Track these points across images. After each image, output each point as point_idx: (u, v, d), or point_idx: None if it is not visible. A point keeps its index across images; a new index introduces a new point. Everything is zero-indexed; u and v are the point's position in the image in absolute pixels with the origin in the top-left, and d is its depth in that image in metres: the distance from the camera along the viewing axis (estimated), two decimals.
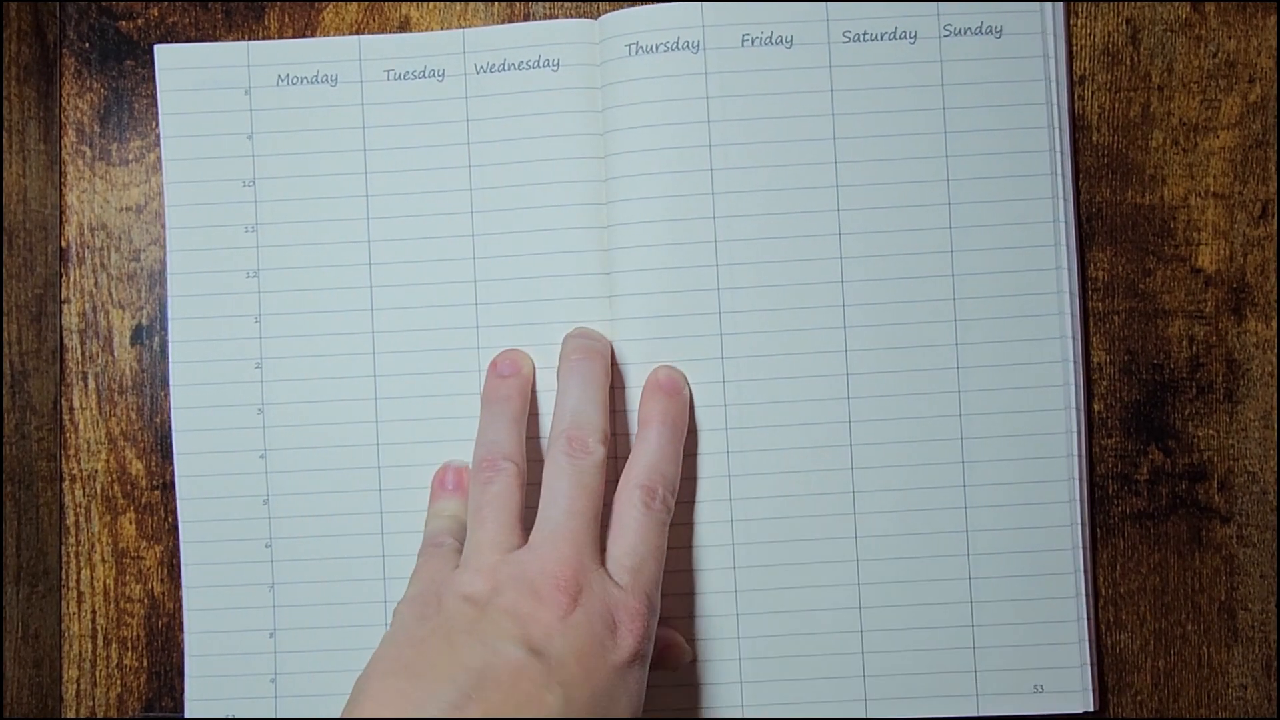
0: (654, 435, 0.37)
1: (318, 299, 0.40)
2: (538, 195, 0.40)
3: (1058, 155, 0.39)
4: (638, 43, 0.39)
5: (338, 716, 0.32)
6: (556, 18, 0.41)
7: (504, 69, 0.40)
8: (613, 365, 0.39)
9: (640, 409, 0.39)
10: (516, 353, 0.40)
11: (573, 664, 0.32)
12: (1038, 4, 0.40)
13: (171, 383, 0.41)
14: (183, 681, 0.40)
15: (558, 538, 0.34)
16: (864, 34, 0.39)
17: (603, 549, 0.35)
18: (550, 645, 0.32)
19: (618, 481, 0.37)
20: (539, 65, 0.40)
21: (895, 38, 0.39)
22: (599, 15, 0.40)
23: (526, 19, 0.41)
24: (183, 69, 0.41)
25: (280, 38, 0.41)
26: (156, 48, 0.41)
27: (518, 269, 0.40)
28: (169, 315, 0.41)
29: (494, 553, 0.34)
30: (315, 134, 0.41)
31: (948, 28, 0.39)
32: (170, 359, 0.41)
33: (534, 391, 0.40)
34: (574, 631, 0.32)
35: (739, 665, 0.39)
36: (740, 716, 0.39)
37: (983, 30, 0.39)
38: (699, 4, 0.39)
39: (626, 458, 0.37)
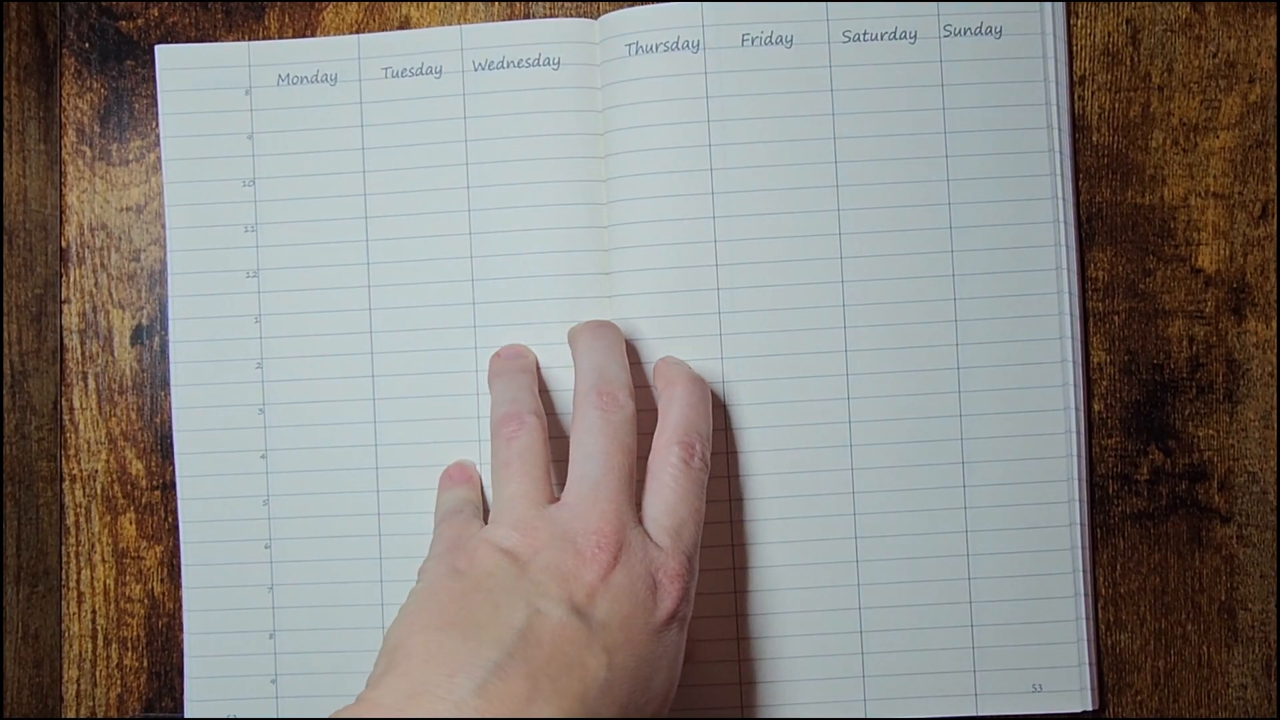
0: (681, 393, 0.36)
1: (317, 299, 0.40)
2: (536, 194, 0.40)
3: (1057, 156, 0.39)
4: (638, 42, 0.39)
5: (376, 662, 0.31)
6: (556, 17, 0.41)
7: (503, 66, 0.40)
8: None
9: (658, 379, 0.38)
10: (518, 345, 0.39)
11: (615, 627, 0.31)
12: (1037, 5, 0.40)
13: (172, 383, 0.41)
14: (183, 681, 0.40)
15: (598, 494, 0.33)
16: (864, 34, 0.39)
17: (638, 506, 0.34)
18: (594, 607, 0.31)
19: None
20: (539, 64, 0.40)
21: (895, 38, 0.39)
22: (598, 15, 0.40)
23: (526, 19, 0.41)
24: (183, 69, 0.41)
25: (280, 38, 0.41)
26: (157, 48, 0.41)
27: (516, 268, 0.40)
28: (169, 315, 0.41)
29: (529, 506, 0.33)
30: (315, 133, 0.40)
31: (947, 28, 0.39)
32: (170, 359, 0.41)
33: (541, 384, 0.39)
34: (616, 592, 0.31)
35: (738, 666, 0.39)
36: (739, 717, 0.39)
37: (982, 30, 0.39)
38: (699, 4, 0.39)
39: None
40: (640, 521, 0.34)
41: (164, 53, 0.41)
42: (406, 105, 0.40)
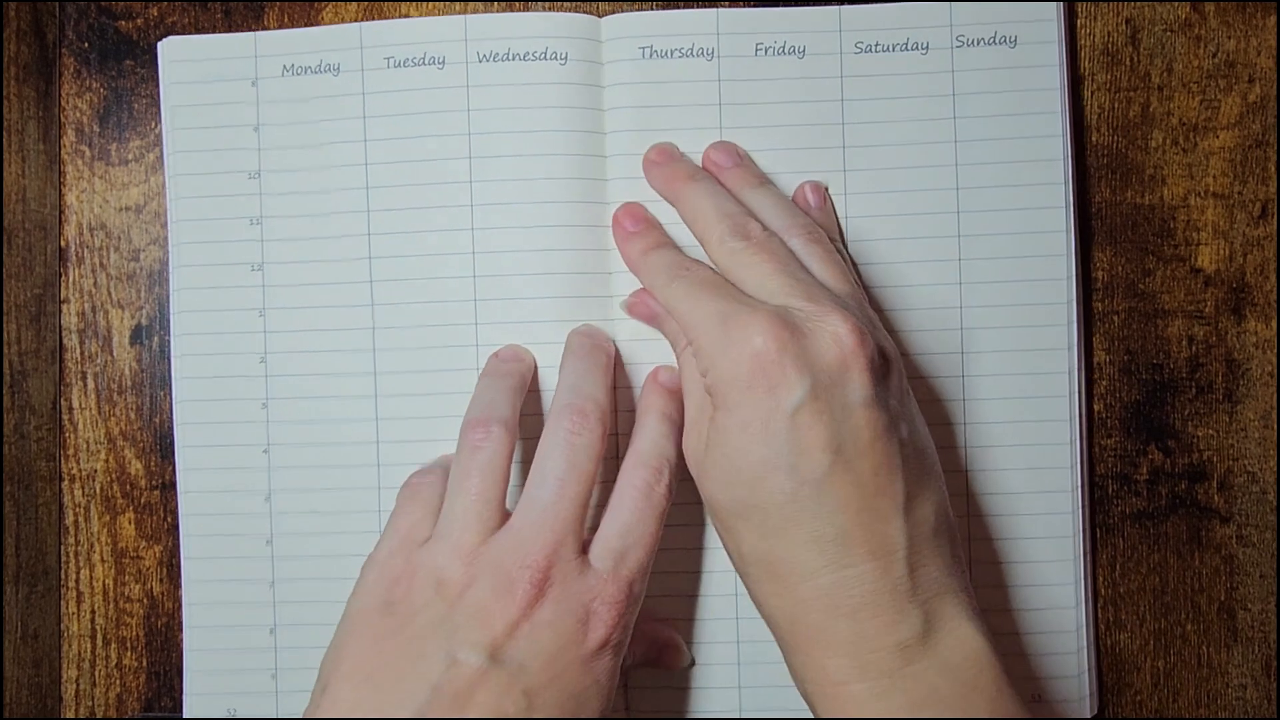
0: (654, 419, 0.37)
1: (320, 294, 0.40)
2: (540, 191, 0.39)
3: (1070, 163, 0.39)
4: (652, 46, 0.39)
5: (302, 713, 0.32)
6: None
7: (507, 58, 0.39)
8: (616, 366, 0.39)
9: (641, 394, 0.38)
10: (518, 347, 0.39)
11: (538, 667, 0.32)
12: (1053, 11, 0.39)
13: (174, 377, 0.40)
14: (182, 681, 0.40)
15: (542, 523, 0.33)
16: (876, 45, 0.39)
17: (595, 525, 0.35)
18: (514, 648, 0.32)
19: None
20: (546, 57, 0.39)
21: (907, 49, 0.39)
22: (599, 14, 0.40)
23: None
24: (188, 61, 0.40)
25: None
26: (161, 42, 0.40)
27: (518, 266, 0.39)
28: (172, 309, 0.40)
29: (474, 532, 0.33)
30: (318, 125, 0.40)
31: (960, 38, 0.39)
32: (172, 353, 0.40)
33: (535, 384, 0.39)
34: (541, 630, 0.32)
35: (738, 670, 0.39)
36: (739, 718, 0.39)
37: (996, 40, 0.39)
38: (714, 11, 0.39)
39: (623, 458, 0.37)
40: (584, 549, 0.34)
41: (168, 46, 0.40)
42: (408, 96, 0.40)
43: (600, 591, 0.33)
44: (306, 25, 0.41)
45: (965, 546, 0.39)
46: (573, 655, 0.32)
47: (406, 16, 0.41)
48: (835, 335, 0.32)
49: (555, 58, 0.39)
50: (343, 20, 0.41)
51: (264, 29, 0.41)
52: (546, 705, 0.32)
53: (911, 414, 0.34)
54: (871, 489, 0.32)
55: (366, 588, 0.34)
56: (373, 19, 0.41)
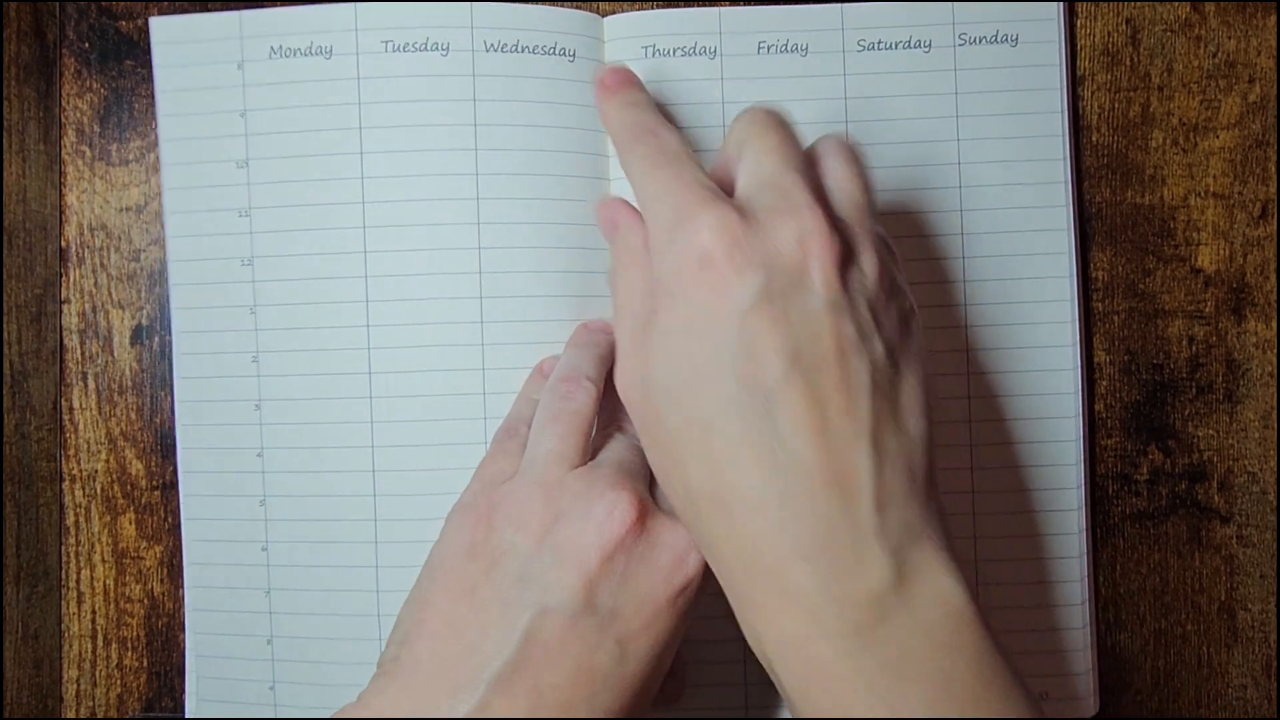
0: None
1: (311, 290, 0.39)
2: (544, 186, 0.39)
3: (1071, 161, 0.40)
4: (655, 45, 0.39)
5: (376, 667, 0.31)
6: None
7: (516, 50, 0.38)
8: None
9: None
10: (605, 322, 0.38)
11: (630, 612, 0.30)
12: (1055, 10, 0.40)
13: (175, 376, 0.40)
14: (183, 681, 0.40)
15: (622, 466, 0.32)
16: (878, 43, 0.39)
17: None
18: (607, 591, 0.30)
19: None
20: (555, 52, 0.39)
21: (909, 46, 0.39)
22: (602, 14, 0.40)
23: None
24: (175, 43, 0.39)
25: None
26: (152, 20, 0.40)
27: (521, 263, 0.39)
28: (171, 308, 0.40)
29: (559, 467, 0.32)
30: (308, 110, 0.39)
31: (962, 37, 0.39)
32: (174, 352, 0.40)
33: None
34: (636, 567, 0.30)
35: (744, 667, 0.39)
36: (744, 717, 0.39)
37: (998, 39, 0.39)
38: (716, 9, 0.39)
39: None
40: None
41: (159, 25, 0.39)
42: (409, 83, 0.38)
43: (684, 533, 0.31)
44: None
45: (971, 544, 0.39)
46: (664, 595, 0.30)
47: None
48: (797, 228, 0.29)
49: (564, 54, 0.39)
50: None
51: None
52: (639, 654, 0.30)
53: (894, 337, 0.30)
54: (833, 408, 0.28)
55: (448, 534, 0.33)
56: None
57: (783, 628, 0.28)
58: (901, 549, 0.28)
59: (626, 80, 0.36)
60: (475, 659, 0.29)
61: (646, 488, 0.32)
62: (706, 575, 0.31)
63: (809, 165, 0.32)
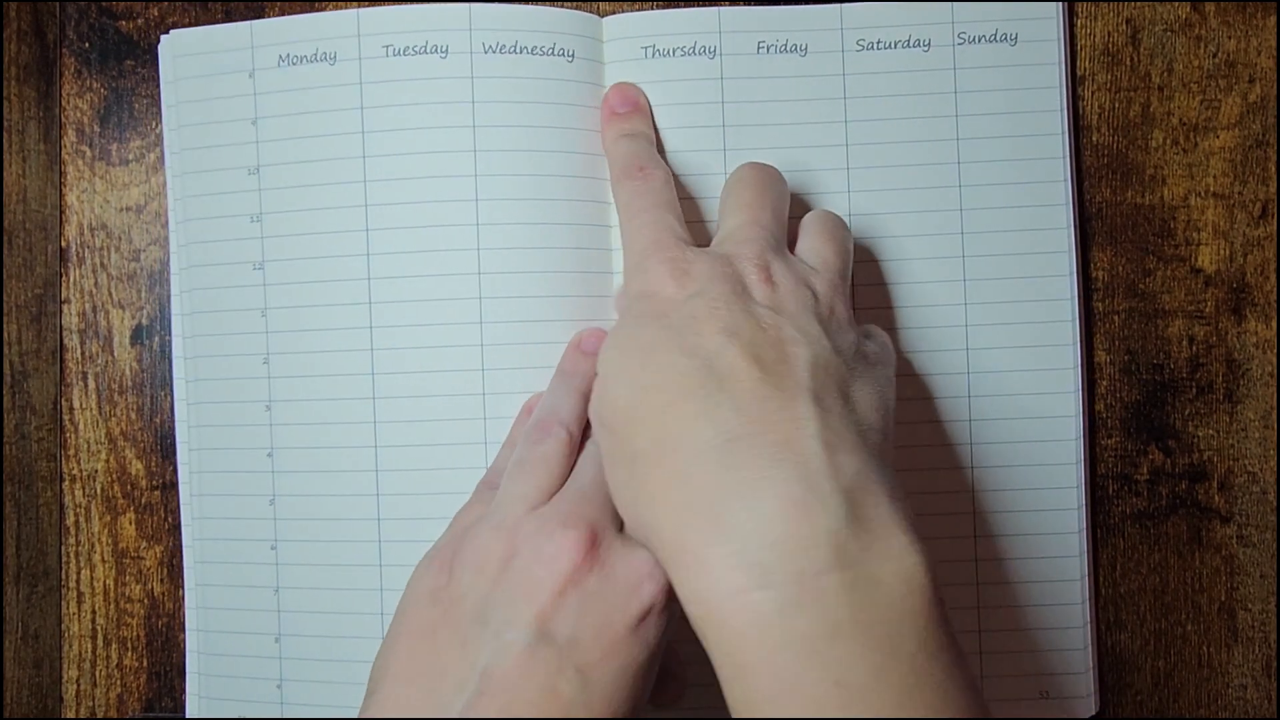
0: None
1: (318, 292, 0.39)
2: (544, 187, 0.39)
3: (1070, 160, 0.40)
4: (654, 45, 0.39)
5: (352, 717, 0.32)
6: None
7: (515, 51, 0.39)
8: None
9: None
10: (603, 334, 0.38)
11: (588, 641, 0.30)
12: (1054, 10, 0.40)
13: (175, 378, 0.40)
14: (183, 681, 0.40)
15: (583, 495, 0.33)
16: (878, 43, 0.39)
17: None
18: (562, 621, 0.30)
19: None
20: (554, 53, 0.39)
21: (909, 46, 0.39)
22: (601, 14, 0.40)
23: None
24: (187, 55, 0.40)
25: None
26: (164, 37, 0.40)
27: (521, 263, 0.39)
28: (174, 310, 0.40)
29: (519, 508, 0.33)
30: (316, 116, 0.39)
31: (962, 35, 0.39)
32: (174, 355, 0.40)
33: None
34: (590, 600, 0.30)
35: None
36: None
37: (997, 38, 0.39)
38: (716, 9, 0.39)
39: None
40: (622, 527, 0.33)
41: (168, 41, 0.40)
42: (409, 86, 0.39)
43: (647, 558, 0.31)
44: None
45: (970, 544, 0.39)
46: (622, 624, 0.30)
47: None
48: (735, 250, 0.33)
49: (563, 54, 0.39)
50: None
51: None
52: (603, 681, 0.30)
53: (847, 353, 0.32)
54: (773, 373, 0.29)
55: (414, 582, 0.33)
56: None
57: (715, 577, 0.27)
58: (854, 491, 0.27)
59: (632, 105, 0.39)
60: (437, 699, 0.30)
61: (607, 513, 0.33)
62: (671, 599, 0.31)
63: (779, 225, 0.35)
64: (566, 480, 0.34)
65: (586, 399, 0.36)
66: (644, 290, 0.33)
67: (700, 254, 0.33)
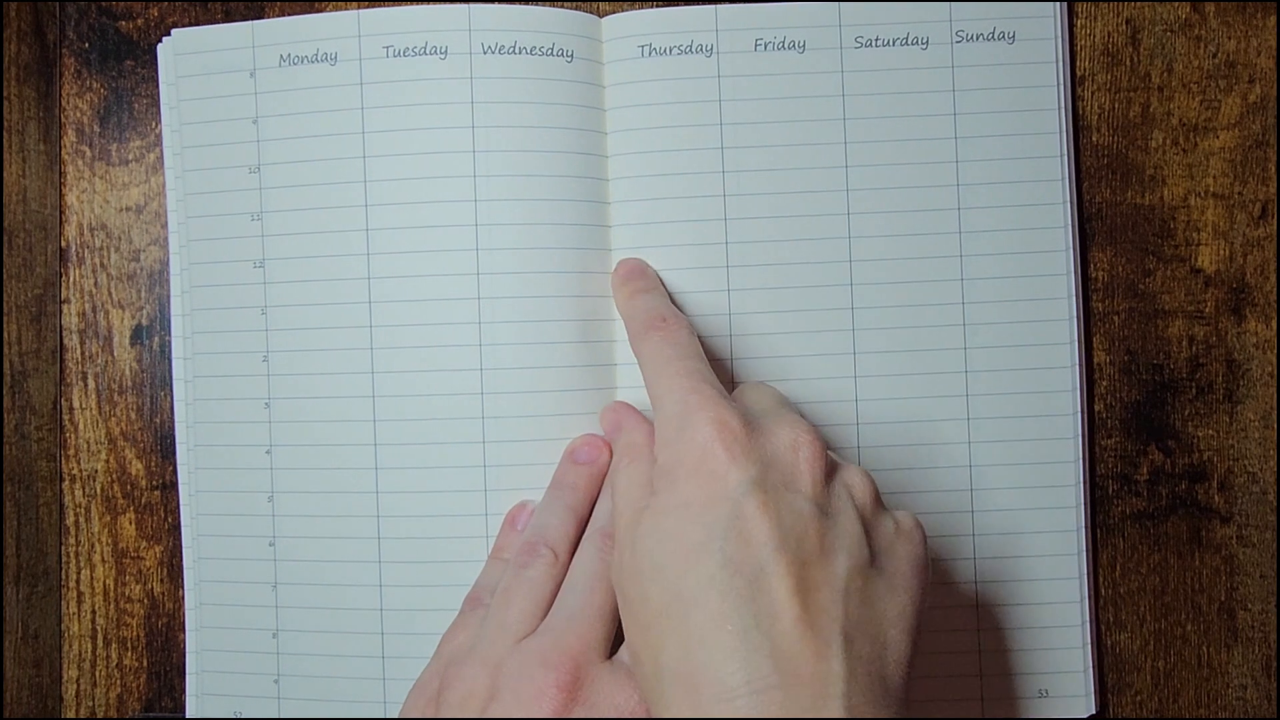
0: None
1: (319, 291, 0.39)
2: (544, 187, 0.39)
3: (1068, 159, 0.40)
4: (651, 44, 0.39)
5: None
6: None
7: (514, 51, 0.39)
8: (615, 372, 0.39)
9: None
10: (598, 442, 0.38)
11: None
12: (1051, 9, 0.40)
13: (179, 376, 0.40)
14: (183, 681, 0.40)
15: (569, 623, 0.33)
16: (876, 40, 0.39)
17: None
18: None
19: None
20: (553, 53, 0.39)
21: (907, 43, 0.39)
22: (600, 14, 0.40)
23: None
24: (189, 55, 0.40)
25: None
26: (165, 38, 0.40)
27: (520, 264, 0.39)
28: (177, 310, 0.40)
29: (505, 640, 0.33)
30: (316, 116, 0.39)
31: (960, 33, 0.39)
32: (178, 353, 0.40)
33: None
34: None
35: None
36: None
37: (995, 36, 0.39)
38: (713, 7, 0.39)
39: None
40: (608, 655, 0.33)
41: (170, 41, 0.40)
42: (409, 87, 0.39)
43: (633, 697, 0.31)
44: None
45: (969, 542, 0.39)
46: None
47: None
48: (792, 435, 0.31)
49: (562, 54, 0.39)
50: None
51: None
52: None
53: (885, 552, 0.31)
54: (811, 606, 0.28)
55: (405, 710, 0.33)
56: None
57: None
58: None
59: (639, 271, 0.39)
60: None
61: (595, 637, 0.32)
62: None
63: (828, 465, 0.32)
64: (555, 599, 0.34)
65: (577, 516, 0.36)
66: (692, 459, 0.31)
67: (754, 421, 0.31)
